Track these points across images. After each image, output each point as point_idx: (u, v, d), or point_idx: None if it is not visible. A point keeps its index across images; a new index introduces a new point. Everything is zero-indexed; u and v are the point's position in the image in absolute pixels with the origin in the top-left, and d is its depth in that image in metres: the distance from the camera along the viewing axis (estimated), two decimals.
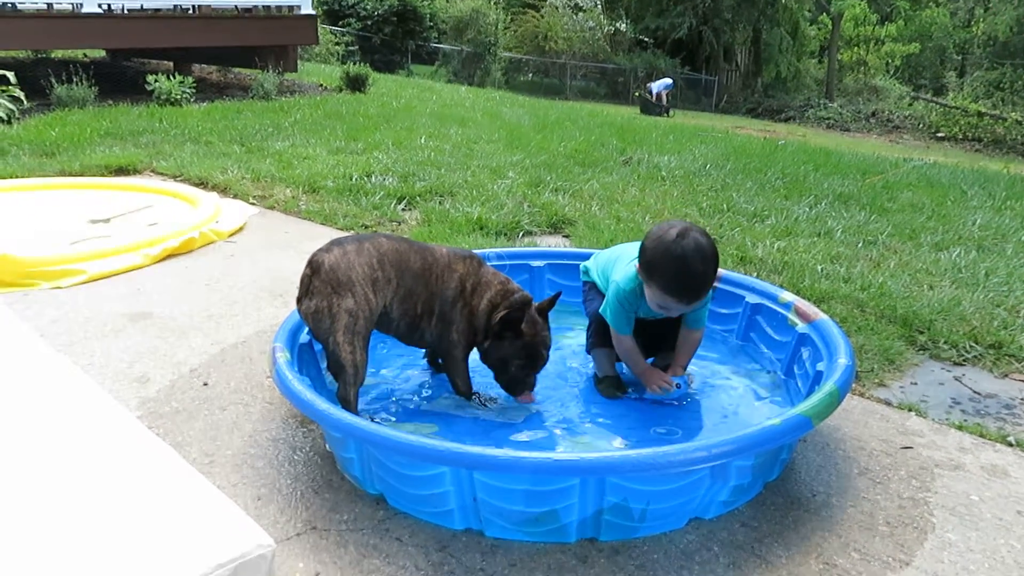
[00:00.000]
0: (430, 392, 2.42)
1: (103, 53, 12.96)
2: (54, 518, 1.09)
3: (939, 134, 24.51)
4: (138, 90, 8.87)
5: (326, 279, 2.09)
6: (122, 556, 1.02)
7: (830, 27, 33.81)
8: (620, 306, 2.32)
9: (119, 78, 10.38)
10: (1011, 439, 2.26)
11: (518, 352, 2.23)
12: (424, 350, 2.52)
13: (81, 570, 0.99)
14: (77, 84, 8.25)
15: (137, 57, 12.57)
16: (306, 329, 2.36)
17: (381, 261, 2.17)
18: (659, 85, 24.64)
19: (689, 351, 2.39)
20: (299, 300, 2.15)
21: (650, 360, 2.46)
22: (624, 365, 2.45)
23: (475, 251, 2.99)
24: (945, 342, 2.89)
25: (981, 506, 1.94)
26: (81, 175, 5.34)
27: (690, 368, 2.48)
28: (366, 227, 4.30)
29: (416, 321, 2.27)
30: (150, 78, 8.57)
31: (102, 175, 5.40)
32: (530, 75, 32.09)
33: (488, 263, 2.40)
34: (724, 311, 2.79)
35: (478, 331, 2.28)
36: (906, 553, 1.75)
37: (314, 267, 2.12)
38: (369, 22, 25.93)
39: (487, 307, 2.26)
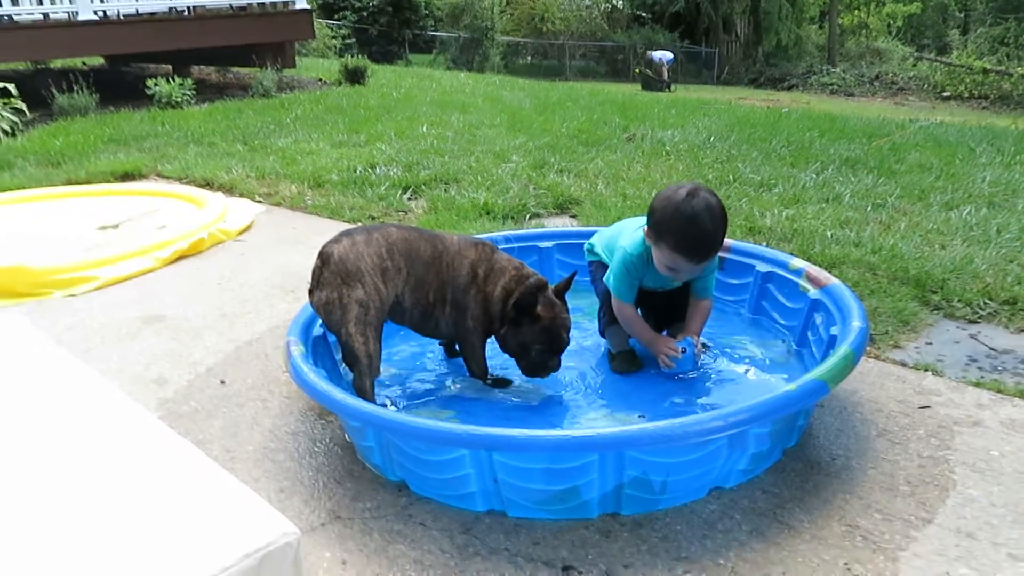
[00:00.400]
0: (445, 378, 2.43)
1: (101, 60, 12.98)
2: (86, 515, 1.11)
3: (945, 93, 24.24)
4: (138, 95, 8.88)
5: (336, 270, 2.10)
6: (151, 548, 1.04)
7: None
8: (626, 272, 2.32)
9: (119, 84, 10.40)
10: None
11: (537, 336, 2.20)
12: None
13: (113, 561, 1.01)
14: (78, 92, 8.27)
15: (135, 62, 12.57)
16: (319, 322, 2.37)
17: (390, 250, 2.18)
18: (660, 55, 24.50)
19: (701, 319, 2.38)
20: (311, 292, 2.17)
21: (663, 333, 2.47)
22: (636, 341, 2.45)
23: (485, 236, 3.00)
24: (959, 300, 2.87)
25: (1002, 461, 1.93)
26: (87, 183, 5.36)
27: (704, 339, 2.48)
28: (373, 218, 4.31)
29: (429, 310, 2.26)
30: (149, 82, 8.58)
31: (108, 181, 5.42)
32: (529, 58, 31.92)
33: (499, 248, 2.38)
34: (735, 281, 2.78)
35: (494, 318, 2.26)
36: (928, 511, 1.76)
37: (324, 258, 2.14)
38: (364, 13, 25.84)
39: (501, 293, 2.24)
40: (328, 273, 2.11)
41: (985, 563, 1.59)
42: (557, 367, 2.26)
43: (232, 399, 2.41)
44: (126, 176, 5.57)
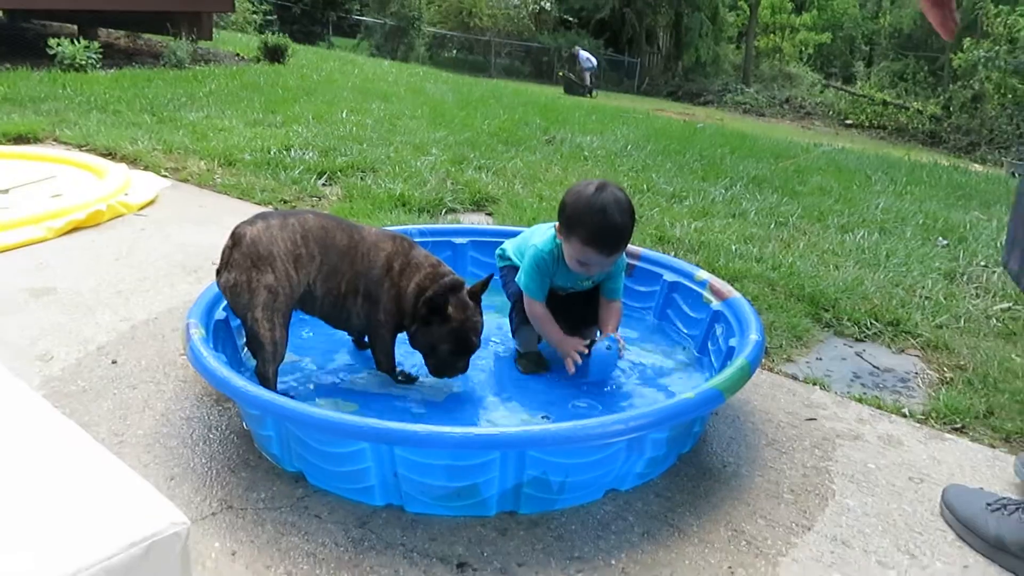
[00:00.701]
0: (351, 371, 2.40)
1: (0, 14, 12.18)
2: None
3: (847, 121, 25.55)
4: (39, 54, 8.38)
5: (247, 252, 2.04)
6: (27, 535, 0.99)
7: (748, 13, 34.66)
8: (537, 269, 2.34)
9: (17, 40, 9.79)
10: (905, 410, 2.41)
11: (445, 337, 2.18)
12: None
13: None
14: None
15: (38, 19, 11.85)
16: (222, 305, 2.30)
17: (305, 237, 2.13)
18: (586, 55, 24.95)
19: (615, 320, 2.42)
20: (218, 272, 2.10)
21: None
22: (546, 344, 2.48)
23: (399, 228, 2.97)
24: (848, 319, 3.03)
25: (877, 473, 2.06)
26: None
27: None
28: (285, 202, 4.21)
29: (340, 300, 2.21)
30: (52, 41, 8.11)
31: (0, 144, 5.10)
32: (454, 51, 31.84)
33: (417, 244, 2.34)
34: (642, 289, 2.85)
35: (405, 314, 2.22)
36: (808, 519, 1.85)
37: (236, 239, 2.07)
38: None
39: (415, 290, 2.20)
40: (239, 255, 2.05)
41: (856, 569, 1.69)
42: (464, 369, 2.24)
43: (124, 380, 2.31)
44: (20, 139, 5.25)
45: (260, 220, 2.11)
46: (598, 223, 2.16)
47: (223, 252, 2.09)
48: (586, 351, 2.31)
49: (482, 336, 2.26)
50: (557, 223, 2.29)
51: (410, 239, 2.33)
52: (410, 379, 2.32)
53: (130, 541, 1.00)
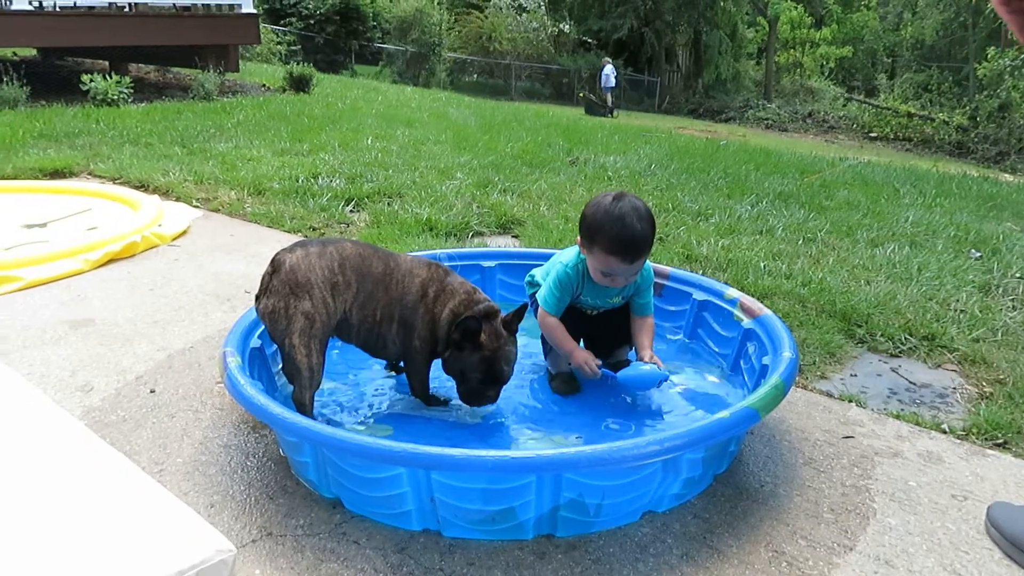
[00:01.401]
0: (385, 395, 2.42)
1: (34, 52, 12.53)
2: (10, 528, 1.06)
3: (872, 134, 25.34)
4: (72, 90, 8.61)
5: (285, 279, 2.08)
6: (80, 564, 1.01)
7: (767, 30, 34.65)
8: (558, 284, 2.35)
9: (52, 78, 10.06)
10: (945, 427, 2.37)
11: (477, 364, 2.16)
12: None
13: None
14: (7, 84, 7.97)
15: (71, 56, 12.18)
16: (257, 333, 2.33)
17: (342, 265, 2.15)
18: (605, 75, 25.15)
19: (649, 335, 2.41)
20: (257, 298, 2.14)
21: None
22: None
23: (427, 253, 3.00)
24: (882, 335, 3.00)
25: (918, 491, 2.02)
26: (14, 178, 5.16)
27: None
28: (314, 229, 4.26)
29: (376, 327, 2.22)
30: (85, 78, 8.33)
31: (36, 178, 5.23)
32: (475, 76, 32.12)
33: (449, 268, 2.34)
34: (672, 308, 2.85)
35: (439, 340, 2.23)
36: (850, 538, 1.82)
37: (275, 266, 2.11)
38: (311, 21, 25.62)
39: (449, 316, 2.20)
40: (277, 281, 2.08)
41: None
42: (494, 399, 2.22)
43: (162, 409, 2.34)
44: (56, 174, 5.39)
45: (299, 248, 2.15)
46: (618, 231, 2.17)
47: (263, 278, 2.14)
48: (596, 364, 2.33)
49: (514, 366, 2.24)
50: (579, 237, 2.30)
51: (446, 267, 2.33)
52: (442, 402, 2.33)
53: (178, 569, 1.01)
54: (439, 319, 2.22)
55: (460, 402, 2.30)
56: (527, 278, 2.65)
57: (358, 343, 2.29)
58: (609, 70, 25.57)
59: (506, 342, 2.19)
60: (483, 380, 2.18)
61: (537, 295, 2.43)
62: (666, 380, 2.29)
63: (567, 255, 2.42)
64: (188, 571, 1.01)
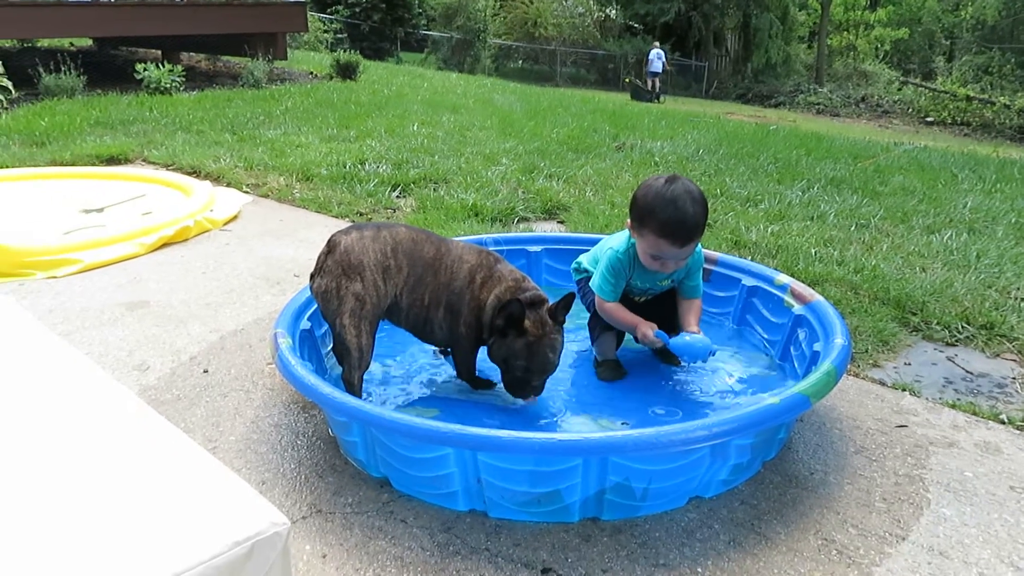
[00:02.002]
0: (433, 378, 2.44)
1: (90, 42, 12.84)
2: (73, 499, 1.10)
3: (928, 119, 24.59)
4: (126, 79, 8.81)
5: (339, 260, 2.12)
6: (140, 534, 1.04)
7: (820, 12, 33.79)
8: (611, 270, 2.34)
9: (107, 67, 10.31)
10: (1003, 417, 2.30)
11: (520, 351, 2.11)
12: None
13: (99, 547, 1.01)
14: (65, 73, 8.19)
15: (125, 45, 12.46)
16: (307, 315, 2.37)
17: (395, 249, 2.17)
18: (652, 57, 24.89)
19: (695, 315, 2.38)
20: (312, 277, 2.18)
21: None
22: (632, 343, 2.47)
23: (473, 238, 3.00)
24: (938, 323, 2.92)
25: (975, 482, 1.97)
26: (72, 165, 5.32)
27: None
28: (361, 214, 4.30)
29: (424, 312, 2.23)
30: (139, 67, 8.51)
31: (93, 164, 5.38)
32: (520, 62, 32.00)
33: (500, 256, 2.31)
34: (721, 294, 2.81)
35: (485, 327, 2.20)
36: (903, 528, 1.79)
37: (331, 247, 2.16)
38: (357, 9, 25.78)
39: (494, 302, 2.17)
40: (331, 262, 2.13)
41: None
42: (539, 391, 2.17)
43: (215, 388, 2.40)
44: (112, 160, 5.53)
45: (355, 230, 2.18)
46: (670, 214, 2.14)
47: (318, 258, 2.18)
48: (657, 342, 2.29)
49: (559, 357, 2.19)
50: (629, 220, 2.28)
51: (498, 255, 2.30)
52: (488, 384, 2.34)
53: (234, 540, 1.04)
54: (484, 305, 2.19)
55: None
56: (574, 264, 2.64)
57: (407, 327, 2.30)
58: (654, 54, 25.24)
59: (552, 330, 2.14)
60: (527, 368, 2.12)
61: (591, 284, 2.42)
62: (713, 354, 2.27)
63: (616, 240, 2.40)
64: (244, 542, 1.04)
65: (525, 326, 2.11)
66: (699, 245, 2.34)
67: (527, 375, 2.13)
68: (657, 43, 26.54)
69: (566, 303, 2.16)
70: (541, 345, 2.11)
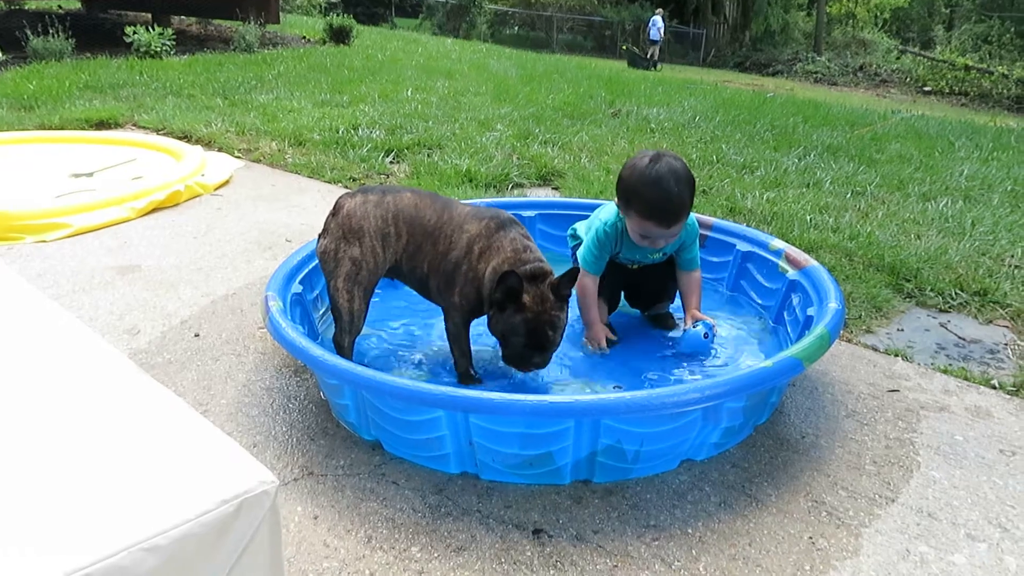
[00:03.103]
0: (425, 341, 2.43)
1: (79, 4, 12.64)
2: (60, 457, 1.09)
3: (926, 88, 24.41)
4: (116, 42, 8.67)
5: (340, 223, 2.11)
6: (127, 492, 1.03)
7: None
8: (596, 242, 2.32)
9: (96, 30, 10.15)
10: (994, 382, 2.31)
11: (518, 327, 2.01)
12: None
13: (85, 505, 1.00)
14: (53, 36, 8.06)
15: (113, 8, 12.26)
16: (298, 279, 2.36)
17: (396, 216, 2.14)
18: (652, 23, 24.65)
19: (697, 293, 2.38)
20: (319, 237, 2.18)
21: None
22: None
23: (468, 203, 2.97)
24: (931, 290, 2.92)
25: (965, 446, 1.98)
26: (61, 129, 5.25)
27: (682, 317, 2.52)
28: (354, 180, 4.27)
29: (424, 279, 2.18)
30: (128, 30, 8.38)
31: (83, 129, 5.31)
32: (516, 28, 31.63)
33: (507, 223, 2.14)
34: (715, 259, 2.80)
35: (484, 301, 2.09)
36: (892, 490, 1.80)
37: (335, 209, 2.15)
38: None
39: (491, 274, 2.05)
40: (334, 224, 2.13)
41: (944, 541, 1.63)
42: (542, 365, 2.08)
43: (206, 352, 2.39)
44: (102, 124, 5.46)
45: (360, 194, 2.17)
46: (654, 196, 2.11)
47: (326, 219, 2.17)
48: (605, 349, 2.31)
49: (562, 333, 2.09)
50: (616, 196, 2.26)
51: (501, 221, 2.13)
52: (476, 380, 2.19)
53: (222, 498, 1.03)
54: (482, 276, 2.08)
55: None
56: (569, 231, 2.62)
57: (411, 287, 2.27)
58: (653, 20, 24.95)
59: (552, 306, 2.02)
60: (525, 344, 2.03)
61: (579, 256, 2.40)
62: (711, 340, 2.30)
63: (607, 212, 2.38)
64: (232, 500, 1.03)
65: (524, 301, 2.00)
66: (692, 217, 2.32)
67: (526, 351, 2.05)
68: (660, 9, 26.17)
69: (571, 277, 2.05)
70: (540, 322, 2.01)
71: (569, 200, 3.36)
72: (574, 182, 4.22)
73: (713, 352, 2.33)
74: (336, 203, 2.18)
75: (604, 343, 2.30)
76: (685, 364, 2.30)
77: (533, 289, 2.01)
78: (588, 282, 2.34)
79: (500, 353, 2.13)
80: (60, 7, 12.45)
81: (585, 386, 2.19)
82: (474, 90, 7.23)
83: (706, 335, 2.28)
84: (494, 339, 2.33)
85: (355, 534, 1.63)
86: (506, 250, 2.07)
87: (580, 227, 2.57)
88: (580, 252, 2.38)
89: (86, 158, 4.47)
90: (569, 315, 2.13)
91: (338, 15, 11.94)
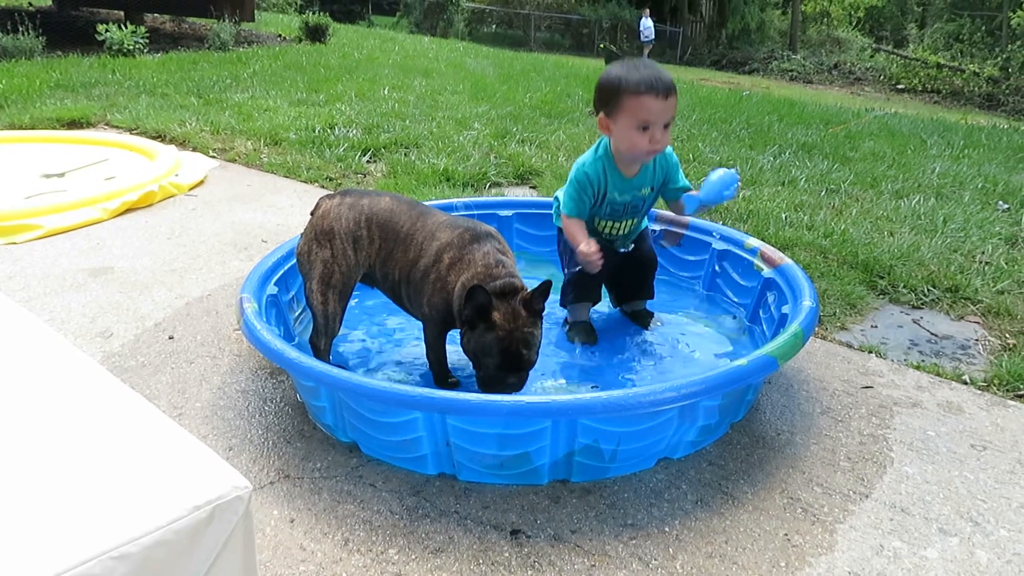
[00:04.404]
0: (401, 343, 2.42)
1: (50, 2, 12.45)
2: (27, 465, 1.08)
3: (899, 86, 24.71)
4: (88, 40, 8.55)
5: (314, 224, 2.12)
6: (96, 500, 1.02)
7: None
8: (576, 184, 2.27)
9: (67, 28, 10.00)
10: (966, 377, 2.34)
11: (490, 347, 1.91)
12: None
13: (53, 514, 0.98)
14: (23, 34, 7.93)
15: (86, 6, 12.09)
16: (273, 280, 2.34)
17: (369, 220, 2.11)
18: (646, 21, 24.67)
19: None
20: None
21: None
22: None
23: (441, 203, 2.96)
24: (904, 286, 2.96)
25: (937, 441, 2.01)
26: (32, 128, 5.17)
27: (658, 315, 2.53)
28: (330, 180, 4.24)
29: (396, 287, 2.13)
30: (100, 28, 8.27)
31: (54, 128, 5.23)
32: (494, 26, 31.62)
33: (488, 241, 2.06)
34: (691, 258, 2.82)
35: (456, 316, 2.01)
36: (866, 486, 1.82)
37: (313, 210, 2.16)
38: None
39: (461, 290, 1.96)
40: (309, 225, 2.14)
41: (916, 536, 1.66)
42: (518, 387, 1.97)
43: (181, 355, 2.36)
44: (73, 124, 5.38)
45: (338, 196, 2.17)
46: (644, 73, 2.14)
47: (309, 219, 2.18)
48: (597, 262, 2.16)
49: (537, 352, 1.99)
50: (601, 113, 2.21)
51: (476, 234, 2.06)
52: (453, 383, 2.16)
53: (194, 504, 1.02)
54: (450, 289, 2.00)
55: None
56: (553, 197, 2.51)
57: (387, 295, 2.23)
58: (645, 23, 24.88)
59: (525, 323, 1.92)
60: (499, 365, 1.93)
61: (562, 209, 2.32)
62: (737, 181, 2.27)
63: (584, 158, 2.33)
64: (204, 506, 1.02)
65: (495, 319, 1.91)
66: (669, 148, 2.31)
67: (499, 373, 1.95)
68: (647, 10, 26.04)
69: (543, 290, 1.95)
70: (513, 340, 1.91)
71: (547, 199, 3.35)
72: (551, 180, 4.22)
73: (679, 330, 2.30)
74: (317, 202, 2.19)
75: (597, 257, 2.14)
76: (661, 360, 2.31)
77: (504, 305, 1.92)
78: (572, 221, 2.27)
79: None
80: (31, 4, 12.25)
81: (562, 386, 2.19)
82: (451, 89, 7.22)
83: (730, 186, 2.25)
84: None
85: (332, 537, 1.63)
86: (477, 264, 1.99)
87: (561, 196, 2.53)
88: (561, 200, 2.32)
89: (57, 158, 4.41)
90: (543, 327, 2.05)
91: (314, 13, 11.86)
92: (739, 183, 2.29)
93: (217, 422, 2.03)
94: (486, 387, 1.97)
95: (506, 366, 1.93)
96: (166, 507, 1.01)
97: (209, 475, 1.08)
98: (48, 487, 1.04)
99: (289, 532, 1.64)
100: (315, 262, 2.09)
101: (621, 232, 2.43)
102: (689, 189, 2.37)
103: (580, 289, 2.42)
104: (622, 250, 2.48)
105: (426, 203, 2.35)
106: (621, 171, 2.27)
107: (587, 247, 2.15)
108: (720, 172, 2.27)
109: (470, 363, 2.08)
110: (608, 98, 2.18)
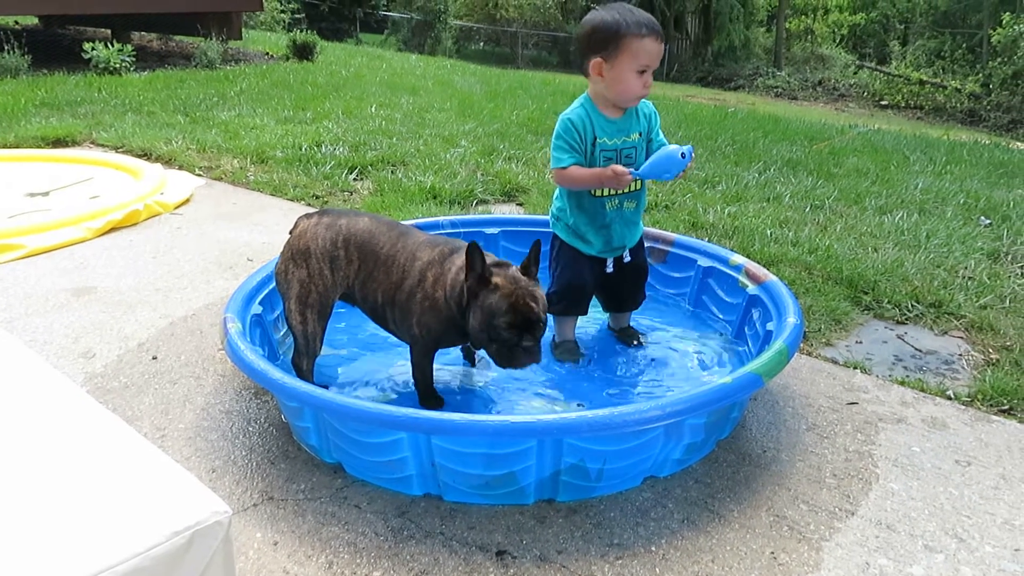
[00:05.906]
0: (387, 363, 2.41)
1: (36, 20, 12.43)
2: (4, 489, 1.06)
3: (883, 102, 24.99)
4: (74, 59, 8.53)
5: (291, 243, 2.12)
6: (75, 526, 1.00)
7: None
8: (559, 136, 2.26)
9: (54, 46, 9.98)
10: (950, 393, 2.35)
11: (497, 308, 1.89)
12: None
13: (31, 540, 0.97)
14: (9, 52, 7.91)
15: (72, 24, 12.07)
16: (258, 299, 2.33)
17: (347, 240, 2.10)
18: None
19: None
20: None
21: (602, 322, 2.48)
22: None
23: (429, 221, 2.96)
24: (888, 302, 2.97)
25: (922, 456, 2.01)
26: (16, 147, 5.14)
27: (644, 334, 2.54)
28: (317, 197, 4.24)
29: (380, 309, 2.12)
30: (87, 46, 8.25)
31: (39, 147, 5.21)
32: (481, 44, 31.79)
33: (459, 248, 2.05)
34: (676, 275, 2.83)
35: (457, 311, 1.98)
36: (852, 503, 1.82)
37: (292, 228, 2.15)
38: None
39: (451, 290, 1.98)
40: (286, 245, 2.13)
41: (902, 553, 1.66)
42: (535, 354, 1.95)
43: (164, 375, 2.34)
44: (58, 142, 5.36)
45: (316, 215, 2.16)
46: (639, 15, 2.14)
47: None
48: (628, 176, 2.19)
49: (544, 309, 1.97)
50: (596, 58, 2.18)
51: (454, 247, 2.07)
52: (438, 402, 2.14)
53: (173, 530, 1.01)
54: (441, 301, 2.00)
55: (455, 368, 2.29)
56: (551, 210, 2.48)
57: (368, 316, 2.21)
58: None
59: (527, 283, 1.94)
60: (510, 324, 1.90)
61: (552, 162, 2.31)
62: (691, 152, 2.16)
63: (565, 112, 2.32)
64: (183, 532, 1.01)
65: (496, 282, 1.91)
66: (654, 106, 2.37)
67: (513, 335, 1.91)
68: None
69: (534, 254, 1.97)
70: (519, 295, 1.91)
71: (533, 217, 3.37)
72: (538, 198, 4.24)
73: (665, 347, 2.30)
74: (296, 221, 2.17)
75: (620, 169, 2.15)
76: (646, 378, 2.31)
77: (502, 272, 1.94)
78: (569, 168, 2.25)
79: (468, 371, 2.09)
80: (16, 22, 12.22)
81: (548, 404, 2.19)
82: (438, 106, 7.24)
83: (683, 155, 2.14)
84: (458, 361, 2.35)
85: (316, 560, 1.61)
86: (456, 267, 2.01)
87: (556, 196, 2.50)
88: (550, 155, 2.29)
89: (42, 177, 4.38)
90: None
91: (302, 31, 11.88)
92: (689, 164, 2.17)
93: (200, 443, 2.01)
94: (503, 360, 1.95)
95: (518, 323, 1.91)
96: (145, 533, 1.00)
97: (188, 500, 1.07)
98: (25, 514, 1.03)
99: (272, 555, 1.62)
100: (292, 282, 2.08)
101: (627, 208, 2.37)
102: (664, 144, 2.30)
103: (568, 300, 2.42)
104: (627, 260, 2.45)
105: (410, 222, 2.35)
106: (604, 114, 2.27)
107: (611, 169, 2.16)
108: (669, 149, 2.16)
109: (460, 377, 2.07)
110: (607, 41, 2.16)
